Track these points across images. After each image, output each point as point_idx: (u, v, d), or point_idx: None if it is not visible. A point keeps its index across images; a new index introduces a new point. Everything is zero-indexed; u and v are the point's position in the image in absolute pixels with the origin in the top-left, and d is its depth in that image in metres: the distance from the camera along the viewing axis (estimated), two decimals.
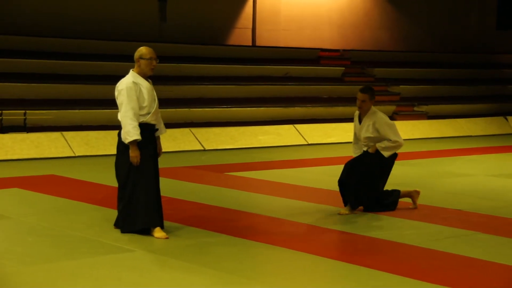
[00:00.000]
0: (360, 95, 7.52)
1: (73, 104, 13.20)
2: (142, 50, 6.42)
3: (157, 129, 6.48)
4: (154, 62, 6.38)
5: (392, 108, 17.01)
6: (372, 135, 7.43)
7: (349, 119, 16.18)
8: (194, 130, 13.42)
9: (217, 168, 10.91)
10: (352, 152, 7.80)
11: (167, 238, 6.27)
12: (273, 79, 16.46)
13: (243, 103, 15.18)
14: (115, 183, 9.23)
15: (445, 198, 8.48)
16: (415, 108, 17.16)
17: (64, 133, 12.37)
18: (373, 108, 7.57)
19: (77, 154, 12.07)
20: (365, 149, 7.60)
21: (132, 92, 6.24)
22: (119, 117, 6.38)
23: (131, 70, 6.46)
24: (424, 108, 17.41)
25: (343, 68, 17.81)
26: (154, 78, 15.88)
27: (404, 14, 20.44)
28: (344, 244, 6.39)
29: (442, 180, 9.76)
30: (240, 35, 17.77)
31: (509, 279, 5.33)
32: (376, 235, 6.60)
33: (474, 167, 11.47)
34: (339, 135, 15.26)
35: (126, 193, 6.34)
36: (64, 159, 11.80)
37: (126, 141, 6.25)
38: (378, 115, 7.46)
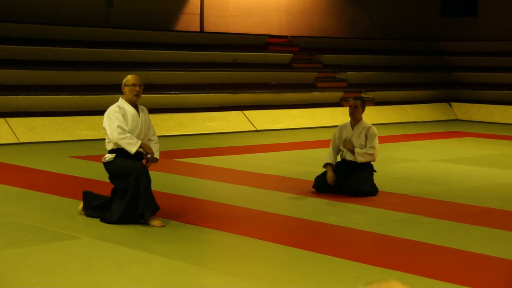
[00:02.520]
0: (352, 102, 8.06)
1: (17, 90, 12.94)
2: (127, 77, 6.60)
3: (142, 158, 6.51)
4: (137, 88, 6.50)
5: (339, 94, 17.16)
6: (363, 143, 7.91)
7: (297, 105, 16.38)
8: None
9: (166, 155, 10.85)
10: (327, 159, 7.99)
11: (163, 225, 6.25)
12: (222, 65, 16.43)
13: (192, 89, 15.11)
14: (61, 170, 9.15)
15: (391, 183, 8.61)
16: (362, 95, 17.34)
17: (8, 119, 12.13)
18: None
19: (21, 141, 11.86)
20: (349, 158, 7.93)
21: (113, 114, 6.38)
22: (108, 141, 6.42)
23: (120, 98, 6.58)
24: (371, 94, 17.62)
25: (291, 54, 17.87)
26: (100, 64, 15.60)
27: (351, 1, 20.60)
28: (291, 229, 6.44)
29: (388, 165, 9.92)
30: (188, 21, 17.65)
31: (452, 260, 5.46)
32: (323, 220, 6.67)
33: (419, 153, 11.67)
34: (288, 122, 15.34)
35: (128, 193, 6.27)
36: (8, 145, 11.57)
37: (133, 153, 6.32)
38: (372, 127, 8.05)
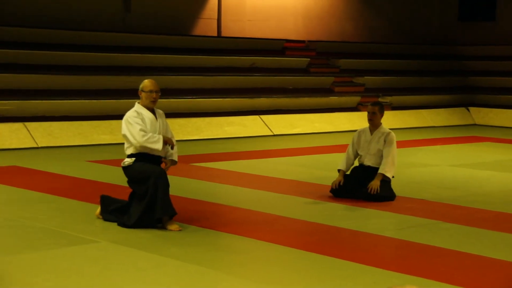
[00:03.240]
0: (370, 108, 8.04)
1: (36, 95, 13.01)
2: (144, 82, 6.58)
3: (161, 162, 6.54)
4: (154, 95, 6.51)
5: (357, 99, 17.11)
6: (381, 148, 7.86)
7: (314, 110, 16.34)
8: None
9: (183, 159, 10.84)
10: (340, 165, 7.98)
11: (180, 230, 6.25)
12: (239, 70, 16.43)
13: (209, 93, 15.13)
14: (78, 174, 9.18)
15: (408, 188, 8.57)
16: (380, 99, 17.27)
17: (27, 123, 12.20)
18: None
19: (40, 145, 11.93)
20: (367, 163, 7.91)
21: (132, 119, 6.40)
22: (127, 146, 6.46)
23: (136, 102, 6.58)
24: (388, 98, 17.55)
25: (308, 59, 17.84)
26: (118, 69, 15.70)
27: (368, 6, 20.55)
28: (308, 234, 6.42)
29: (405, 170, 9.86)
30: (206, 26, 17.69)
31: (469, 266, 5.41)
32: (340, 225, 6.64)
33: (436, 157, 11.60)
34: (304, 126, 15.31)
35: (146, 197, 6.28)
36: (26, 150, 11.64)
37: (161, 149, 6.34)
38: (391, 132, 8.01)
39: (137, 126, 6.33)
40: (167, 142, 6.45)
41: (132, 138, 6.35)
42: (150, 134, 6.35)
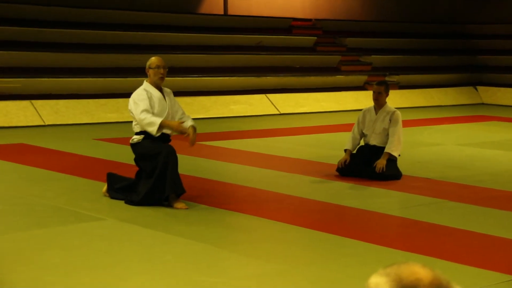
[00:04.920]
0: (375, 87, 8.00)
1: (42, 72, 13.02)
2: (151, 59, 6.54)
3: (169, 140, 6.50)
4: (161, 71, 6.48)
5: (364, 78, 17.06)
6: (387, 126, 7.81)
7: (321, 89, 16.31)
8: None
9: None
10: (346, 145, 7.97)
11: (187, 208, 6.26)
12: (245, 48, 16.39)
13: (215, 72, 15.11)
14: (85, 153, 9.20)
15: (414, 167, 8.56)
16: (387, 78, 17.22)
17: (33, 101, 12.22)
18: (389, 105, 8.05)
19: (46, 123, 11.95)
20: (372, 142, 7.88)
21: (139, 97, 6.36)
22: (135, 123, 6.42)
23: (144, 81, 6.54)
24: (395, 78, 17.48)
25: (315, 37, 17.77)
26: (124, 47, 15.66)
27: None
28: (315, 212, 6.43)
29: (412, 149, 9.85)
30: (212, 4, 17.62)
31: (477, 245, 5.42)
32: (346, 203, 6.65)
33: (443, 137, 11.58)
34: (311, 105, 15.28)
35: (154, 174, 6.25)
36: (33, 127, 11.67)
37: (155, 133, 6.26)
38: (397, 111, 7.97)
39: (141, 106, 6.31)
40: (171, 127, 6.34)
41: (136, 117, 6.35)
42: (149, 115, 6.27)
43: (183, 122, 6.47)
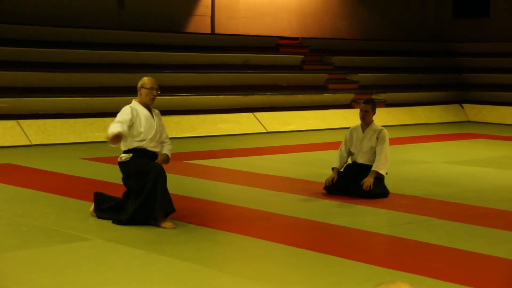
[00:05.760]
0: (362, 106, 8.02)
1: (30, 92, 12.99)
2: (144, 80, 6.54)
3: (156, 157, 6.53)
4: (154, 92, 6.50)
5: (351, 96, 17.13)
6: (374, 145, 7.83)
7: (308, 107, 16.35)
8: None
9: (177, 156, 10.85)
10: (334, 164, 7.99)
11: (174, 227, 6.24)
12: (232, 67, 16.43)
13: (203, 91, 15.13)
14: (72, 172, 9.17)
15: (402, 185, 8.58)
16: (374, 96, 17.30)
17: (20, 121, 12.18)
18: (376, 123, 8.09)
19: (33, 143, 11.91)
20: (360, 160, 7.91)
21: (122, 112, 6.37)
22: (122, 142, 6.43)
23: (133, 99, 6.54)
24: (382, 96, 17.57)
25: (302, 56, 17.85)
26: (113, 66, 15.66)
27: (362, 3, 20.56)
28: (302, 230, 6.43)
29: (399, 167, 9.88)
30: (199, 23, 17.68)
31: (463, 262, 5.43)
32: (334, 222, 6.65)
33: (430, 154, 11.63)
34: (298, 123, 15.32)
35: (143, 193, 6.26)
36: (20, 147, 11.62)
37: (108, 138, 6.22)
38: (384, 129, 7.99)
39: (117, 118, 6.30)
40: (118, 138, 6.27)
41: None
42: (118, 124, 6.24)
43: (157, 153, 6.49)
